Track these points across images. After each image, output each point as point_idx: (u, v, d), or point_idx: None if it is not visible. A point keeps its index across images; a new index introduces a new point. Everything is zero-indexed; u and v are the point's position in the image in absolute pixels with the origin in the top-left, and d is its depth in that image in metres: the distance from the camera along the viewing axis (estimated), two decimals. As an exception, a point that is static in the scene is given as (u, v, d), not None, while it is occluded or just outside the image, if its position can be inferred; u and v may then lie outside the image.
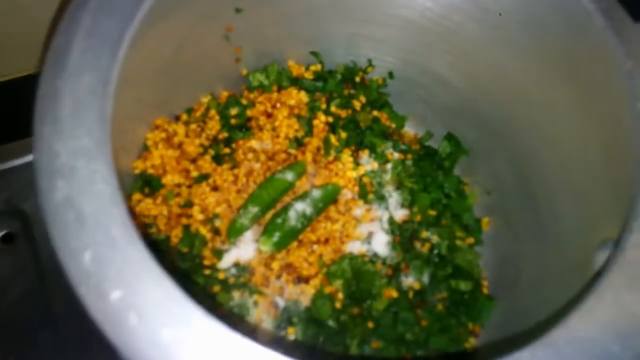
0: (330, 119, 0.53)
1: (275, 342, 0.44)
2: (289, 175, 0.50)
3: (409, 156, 0.55)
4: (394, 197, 0.52)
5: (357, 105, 0.55)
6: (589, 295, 0.27)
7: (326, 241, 0.49)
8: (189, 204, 0.48)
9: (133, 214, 0.46)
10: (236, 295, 0.46)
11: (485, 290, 0.51)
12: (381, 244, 0.50)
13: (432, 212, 0.52)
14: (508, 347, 0.26)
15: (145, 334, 0.24)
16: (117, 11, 0.30)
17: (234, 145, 0.51)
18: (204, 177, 0.49)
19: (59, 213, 0.26)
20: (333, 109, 0.54)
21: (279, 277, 0.47)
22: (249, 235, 0.48)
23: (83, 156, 0.27)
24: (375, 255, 0.50)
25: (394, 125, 0.57)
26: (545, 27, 0.40)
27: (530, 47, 0.43)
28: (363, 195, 0.52)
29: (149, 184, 0.47)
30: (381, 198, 0.52)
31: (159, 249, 0.46)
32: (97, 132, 0.27)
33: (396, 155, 0.54)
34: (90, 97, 0.28)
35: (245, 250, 0.48)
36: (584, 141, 0.40)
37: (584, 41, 0.37)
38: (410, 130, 0.58)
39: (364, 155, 0.54)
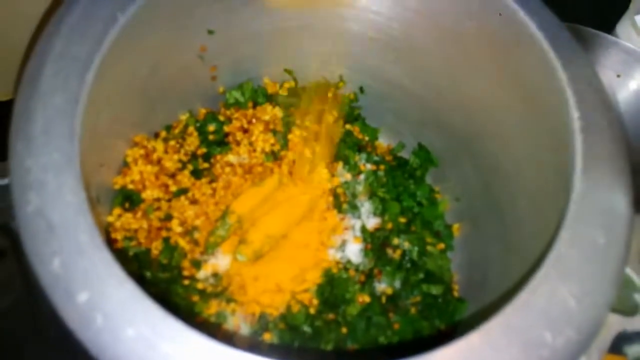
0: (305, 133, 0.56)
1: (251, 346, 0.46)
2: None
3: (382, 167, 0.57)
4: (365, 207, 0.54)
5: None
6: (524, 287, 0.30)
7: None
8: (168, 217, 0.50)
9: (114, 228, 0.48)
10: (214, 304, 0.48)
11: (455, 294, 0.53)
12: (354, 251, 0.52)
13: (403, 220, 0.54)
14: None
15: (110, 332, 0.26)
16: (86, 37, 0.33)
17: (212, 160, 0.53)
18: (183, 191, 0.51)
19: (31, 223, 0.28)
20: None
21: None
22: (226, 246, 0.50)
23: (53, 170, 0.29)
24: (349, 262, 0.52)
25: (367, 138, 0.59)
26: (495, 42, 0.43)
27: (484, 60, 0.45)
28: (337, 205, 0.54)
29: (129, 199, 0.49)
30: (354, 208, 0.54)
31: (139, 260, 0.48)
32: (67, 148, 0.29)
33: (369, 166, 0.57)
34: (60, 116, 0.30)
35: (223, 260, 0.50)
36: (536, 146, 0.42)
37: (527, 54, 0.39)
38: (384, 141, 0.61)
39: (338, 167, 0.56)
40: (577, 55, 0.39)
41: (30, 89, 0.31)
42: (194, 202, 0.51)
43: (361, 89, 0.59)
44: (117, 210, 0.48)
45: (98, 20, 0.34)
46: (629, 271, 0.33)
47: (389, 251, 0.53)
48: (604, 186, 0.34)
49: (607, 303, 0.30)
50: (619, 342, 0.32)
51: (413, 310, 0.51)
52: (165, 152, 0.52)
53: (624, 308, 0.32)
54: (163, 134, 0.53)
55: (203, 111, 0.56)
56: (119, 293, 0.27)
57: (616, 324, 0.31)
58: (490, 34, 0.43)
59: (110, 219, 0.48)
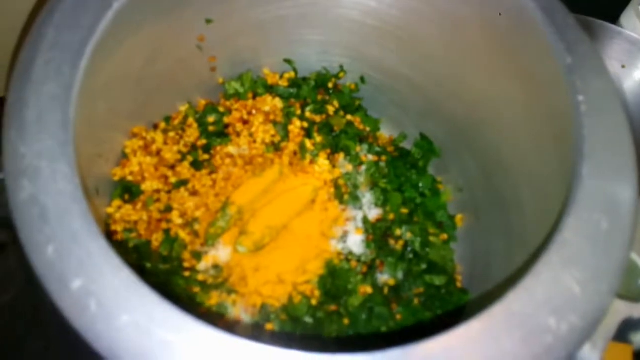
0: (305, 124, 0.55)
1: (252, 335, 0.45)
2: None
3: (383, 158, 0.56)
4: (367, 198, 0.54)
5: (330, 110, 0.57)
6: (527, 273, 0.29)
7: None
8: (168, 209, 0.49)
9: (114, 219, 0.47)
10: (215, 295, 0.48)
11: (459, 285, 0.52)
12: (356, 242, 0.52)
13: (405, 210, 0.53)
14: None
15: (104, 319, 0.26)
16: (78, 25, 0.32)
17: (212, 152, 0.53)
18: (182, 183, 0.51)
19: (24, 210, 0.28)
20: (308, 114, 0.56)
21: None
22: (227, 237, 0.50)
23: (47, 157, 0.29)
24: (351, 253, 0.51)
25: (368, 129, 0.59)
26: (496, 28, 0.42)
27: (485, 47, 0.44)
28: (339, 196, 0.53)
29: (129, 191, 0.49)
30: (356, 199, 0.54)
31: (139, 252, 0.48)
32: (60, 135, 0.29)
33: (370, 157, 0.56)
34: (54, 104, 0.30)
35: (223, 251, 0.50)
36: (538, 135, 0.41)
37: (530, 39, 0.39)
38: (385, 132, 0.60)
39: (340, 158, 0.55)
40: (581, 39, 0.38)
41: (22, 78, 0.31)
42: (194, 193, 0.51)
43: (362, 79, 0.58)
44: (116, 202, 0.48)
45: (91, 8, 0.33)
46: (634, 257, 0.32)
47: (391, 242, 0.52)
48: (608, 171, 0.33)
49: (612, 289, 0.30)
50: (625, 329, 0.31)
51: (416, 301, 0.50)
52: (165, 143, 0.51)
53: (630, 294, 0.31)
54: (162, 125, 0.52)
55: (202, 102, 0.55)
56: (114, 280, 0.27)
57: (622, 310, 0.31)
58: (492, 19, 0.42)
59: (110, 210, 0.47)
